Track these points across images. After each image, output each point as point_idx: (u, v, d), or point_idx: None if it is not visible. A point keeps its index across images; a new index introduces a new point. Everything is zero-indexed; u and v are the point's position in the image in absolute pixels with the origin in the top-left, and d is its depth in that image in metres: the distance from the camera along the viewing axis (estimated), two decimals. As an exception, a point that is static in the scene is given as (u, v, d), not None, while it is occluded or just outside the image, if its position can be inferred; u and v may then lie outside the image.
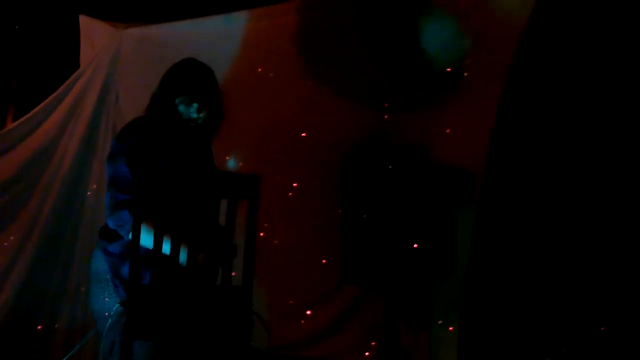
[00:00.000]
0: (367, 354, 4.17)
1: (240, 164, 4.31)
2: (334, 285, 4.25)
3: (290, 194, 4.33)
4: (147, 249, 3.03)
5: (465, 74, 4.15)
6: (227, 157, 4.30)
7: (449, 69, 4.17)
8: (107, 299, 3.22)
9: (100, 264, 3.25)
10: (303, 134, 4.33)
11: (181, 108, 3.23)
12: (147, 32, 4.50)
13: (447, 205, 4.05)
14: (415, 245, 4.03)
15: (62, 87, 4.41)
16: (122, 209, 3.10)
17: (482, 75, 4.10)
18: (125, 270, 3.19)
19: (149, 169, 3.08)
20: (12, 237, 4.31)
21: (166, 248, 3.01)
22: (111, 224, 3.13)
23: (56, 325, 4.34)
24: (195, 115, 3.23)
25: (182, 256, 3.02)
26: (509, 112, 3.97)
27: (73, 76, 4.43)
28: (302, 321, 4.24)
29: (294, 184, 4.28)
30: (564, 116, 3.92)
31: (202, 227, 3.03)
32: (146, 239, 2.98)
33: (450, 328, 4.05)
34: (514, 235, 3.94)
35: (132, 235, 2.99)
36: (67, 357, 3.85)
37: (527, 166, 3.99)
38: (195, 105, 3.22)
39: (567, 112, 3.92)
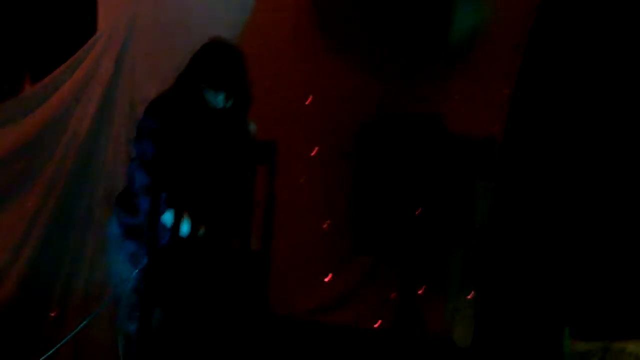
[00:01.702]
0: (380, 321, 4.19)
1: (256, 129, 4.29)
2: (349, 253, 4.25)
3: (306, 162, 4.32)
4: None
5: (483, 41, 4.11)
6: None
7: (465, 36, 4.13)
8: (125, 265, 3.23)
9: (116, 229, 3.26)
10: (318, 103, 4.32)
11: (208, 96, 3.22)
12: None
13: (463, 173, 4.03)
14: (430, 213, 4.01)
15: (78, 52, 4.38)
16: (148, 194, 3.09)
17: (501, 41, 4.06)
18: (127, 244, 3.20)
19: (171, 153, 3.06)
20: (29, 203, 4.31)
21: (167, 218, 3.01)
22: (144, 205, 3.09)
23: (72, 291, 4.35)
24: (221, 105, 3.22)
25: (185, 228, 3.03)
26: (528, 79, 3.92)
27: (90, 41, 4.40)
28: (319, 289, 4.25)
29: (312, 153, 4.27)
30: (586, 81, 3.87)
31: (212, 197, 3.04)
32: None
33: (469, 296, 4.05)
34: (531, 202, 3.92)
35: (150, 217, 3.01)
36: (83, 323, 3.88)
37: (546, 134, 3.95)
38: (222, 95, 3.21)
39: (589, 77, 3.87)
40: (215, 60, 3.24)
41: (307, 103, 4.31)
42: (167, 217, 3.09)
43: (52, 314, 4.31)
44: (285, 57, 4.29)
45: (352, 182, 4.23)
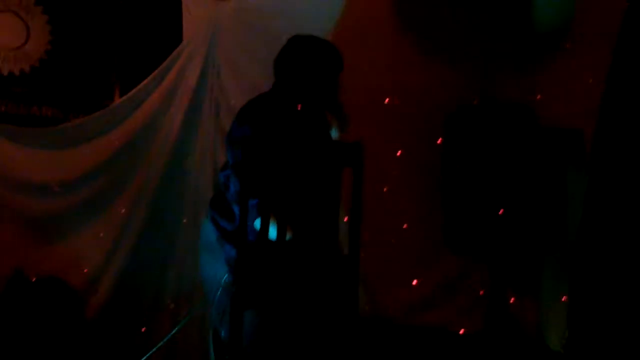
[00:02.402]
0: (471, 323, 4.12)
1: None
2: (438, 253, 4.19)
3: (392, 160, 4.28)
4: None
5: (575, 29, 3.99)
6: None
7: (554, 26, 4.03)
8: (217, 269, 3.25)
9: (210, 233, 3.29)
10: (404, 98, 4.27)
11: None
12: (245, 2, 4.50)
13: (556, 169, 3.91)
14: (521, 211, 3.92)
15: (165, 62, 4.46)
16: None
17: (593, 29, 3.93)
18: (227, 248, 3.21)
19: (262, 161, 3.07)
20: (123, 210, 4.42)
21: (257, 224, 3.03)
22: (236, 210, 3.13)
23: (164, 296, 4.43)
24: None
25: (272, 232, 3.03)
26: (622, 70, 3.78)
27: (176, 51, 4.48)
28: (407, 290, 4.21)
29: (398, 153, 4.23)
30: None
31: (301, 199, 3.04)
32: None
33: (563, 298, 3.94)
34: (627, 200, 3.78)
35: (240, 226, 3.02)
36: (177, 327, 3.95)
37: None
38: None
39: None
40: (315, 63, 3.25)
41: (385, 102, 4.27)
42: (258, 223, 3.09)
43: (143, 319, 4.39)
44: (371, 56, 4.25)
45: (441, 180, 4.16)
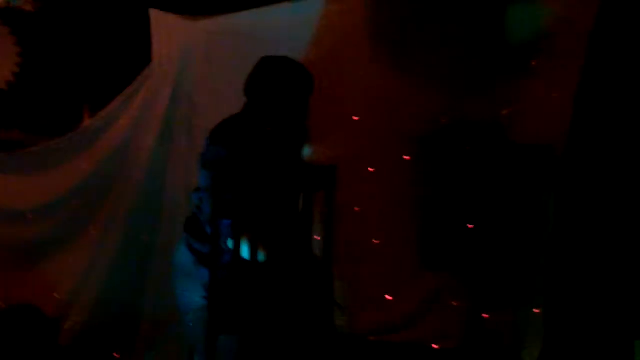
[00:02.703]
0: (452, 339, 4.12)
1: (314, 150, 4.28)
2: (413, 271, 4.19)
3: (365, 180, 4.28)
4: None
5: (544, 47, 4.02)
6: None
7: (525, 43, 4.05)
8: (193, 292, 3.22)
9: (185, 257, 3.26)
10: (375, 117, 4.27)
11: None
12: (218, 24, 4.49)
13: (528, 186, 3.94)
14: (496, 225, 3.93)
15: (135, 82, 4.44)
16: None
17: (561, 46, 3.96)
18: (202, 272, 3.18)
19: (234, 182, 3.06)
20: (95, 230, 4.38)
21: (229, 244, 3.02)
22: (209, 230, 3.12)
23: (139, 320, 4.39)
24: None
25: (244, 251, 3.02)
26: (591, 86, 3.82)
27: (145, 71, 4.45)
28: (382, 308, 4.20)
29: (370, 169, 4.23)
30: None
31: (274, 221, 3.03)
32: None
33: (536, 310, 3.96)
34: (597, 216, 3.81)
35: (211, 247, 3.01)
36: (153, 352, 3.91)
37: (611, 141, 3.84)
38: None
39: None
40: (274, 90, 3.24)
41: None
42: (231, 243, 3.08)
43: (119, 342, 4.35)
44: (343, 77, 4.26)
45: (415, 196, 4.17)
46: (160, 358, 4.20)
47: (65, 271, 4.35)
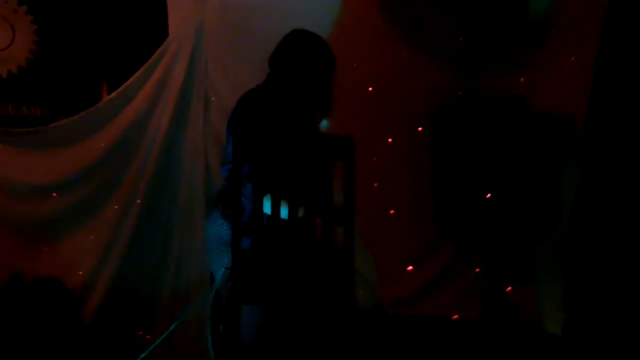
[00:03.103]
0: (471, 311, 4.13)
1: (332, 125, 4.28)
2: (432, 243, 4.19)
3: (384, 153, 4.28)
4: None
5: (561, 15, 3.99)
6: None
7: (542, 13, 4.03)
8: (228, 262, 3.24)
9: (220, 227, 3.29)
10: (391, 92, 4.27)
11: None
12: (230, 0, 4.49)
13: (548, 156, 3.92)
14: (514, 198, 3.92)
15: (151, 59, 4.44)
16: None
17: (578, 14, 3.94)
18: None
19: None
20: (116, 207, 4.40)
21: (267, 207, 3.04)
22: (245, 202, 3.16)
23: (160, 296, 4.42)
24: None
25: (284, 212, 3.03)
26: (609, 52, 3.78)
27: (161, 47, 4.45)
28: (406, 279, 4.22)
29: (389, 139, 4.23)
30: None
31: (302, 184, 3.06)
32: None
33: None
34: (620, 186, 3.78)
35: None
36: (172, 326, 3.93)
37: (634, 113, 3.80)
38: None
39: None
40: (307, 64, 3.31)
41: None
42: (267, 205, 3.10)
43: (139, 317, 4.38)
44: (361, 53, 4.26)
45: (433, 169, 4.16)
46: (182, 334, 4.22)
47: (87, 248, 4.37)
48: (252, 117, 3.20)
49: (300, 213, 3.08)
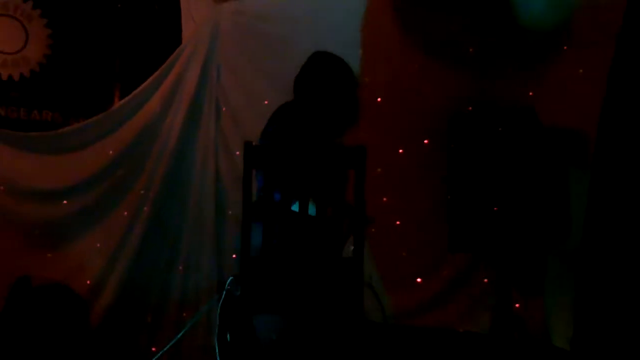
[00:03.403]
0: (479, 323, 4.11)
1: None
2: (443, 253, 4.17)
3: (395, 163, 4.27)
4: None
5: (574, 28, 3.98)
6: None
7: (557, 26, 4.02)
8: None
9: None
10: (404, 101, 4.27)
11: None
12: (244, 6, 4.49)
13: (559, 169, 3.90)
14: (525, 209, 3.90)
15: (164, 64, 4.45)
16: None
17: (593, 28, 3.92)
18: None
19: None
20: (125, 213, 4.40)
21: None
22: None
23: (168, 301, 4.42)
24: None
25: (312, 209, 3.08)
26: (624, 69, 3.77)
27: (175, 53, 4.47)
28: (413, 290, 4.20)
29: (400, 150, 4.22)
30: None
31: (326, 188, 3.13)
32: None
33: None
34: (631, 198, 3.76)
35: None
36: (181, 332, 3.93)
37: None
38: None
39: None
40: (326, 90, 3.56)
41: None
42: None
43: (148, 322, 4.37)
44: (372, 63, 4.26)
45: (445, 180, 4.15)
46: (190, 339, 4.22)
47: (96, 252, 4.38)
48: (281, 126, 3.44)
49: (312, 210, 3.12)
